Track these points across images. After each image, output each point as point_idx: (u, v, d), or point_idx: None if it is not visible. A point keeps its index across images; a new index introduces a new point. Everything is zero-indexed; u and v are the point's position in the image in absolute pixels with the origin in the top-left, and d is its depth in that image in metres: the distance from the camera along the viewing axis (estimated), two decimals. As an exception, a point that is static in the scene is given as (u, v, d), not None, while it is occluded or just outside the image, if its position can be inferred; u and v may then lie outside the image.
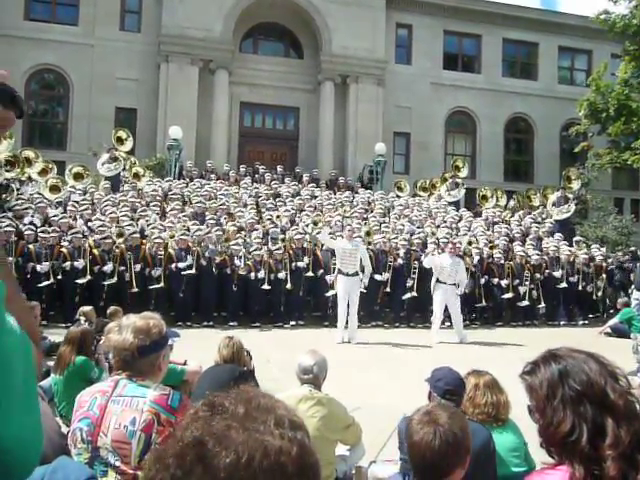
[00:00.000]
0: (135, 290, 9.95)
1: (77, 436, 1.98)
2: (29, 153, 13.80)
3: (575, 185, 16.27)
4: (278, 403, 0.78)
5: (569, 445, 1.23)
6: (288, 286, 10.66)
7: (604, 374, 1.27)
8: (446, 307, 9.74)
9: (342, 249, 9.27)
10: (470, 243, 12.13)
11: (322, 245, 11.27)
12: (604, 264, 12.97)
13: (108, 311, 6.99)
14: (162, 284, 10.13)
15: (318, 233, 10.94)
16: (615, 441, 1.17)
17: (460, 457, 1.83)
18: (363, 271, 9.42)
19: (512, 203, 17.23)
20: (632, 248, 15.57)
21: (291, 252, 11.00)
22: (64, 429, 2.85)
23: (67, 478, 1.17)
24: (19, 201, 11.55)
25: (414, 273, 11.16)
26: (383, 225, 12.68)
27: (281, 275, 10.65)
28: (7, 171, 12.69)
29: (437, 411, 1.91)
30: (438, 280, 9.64)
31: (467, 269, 11.36)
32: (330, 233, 11.66)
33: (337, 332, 9.22)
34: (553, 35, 23.25)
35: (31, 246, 9.89)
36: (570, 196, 15.38)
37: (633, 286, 12.67)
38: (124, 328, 2.08)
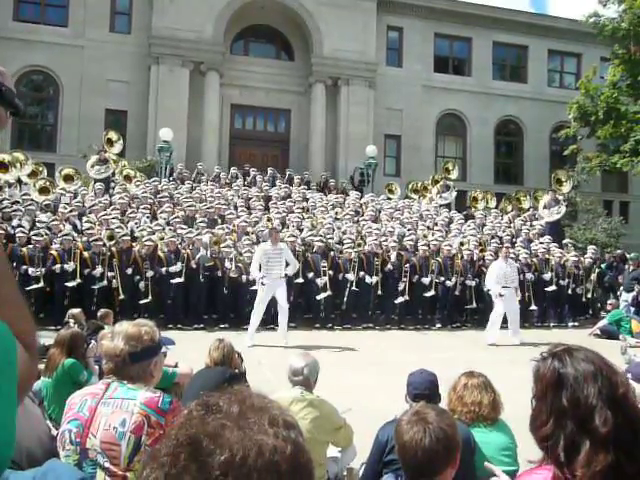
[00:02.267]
0: (122, 297, 9.89)
1: (66, 437, 1.98)
2: (19, 155, 13.71)
3: (565, 187, 16.39)
4: (272, 403, 0.78)
5: (545, 448, 1.24)
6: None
7: (602, 398, 1.21)
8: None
9: (265, 252, 8.92)
10: (462, 244, 12.20)
11: (313, 248, 11.27)
12: (594, 266, 13.05)
13: (99, 313, 6.96)
14: (150, 298, 10.06)
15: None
16: (587, 463, 1.16)
17: (450, 455, 1.84)
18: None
19: (502, 204, 17.33)
20: (619, 251, 15.69)
21: (282, 254, 10.97)
22: (53, 432, 2.83)
23: (58, 481, 1.15)
24: (6, 202, 11.48)
25: (405, 276, 11.20)
26: (374, 228, 12.70)
27: (272, 277, 10.62)
28: (2, 173, 12.64)
29: (425, 410, 1.92)
30: (503, 286, 9.73)
31: (458, 271, 11.44)
32: (320, 236, 11.68)
33: (248, 335, 8.84)
34: (543, 38, 23.47)
35: (24, 249, 9.82)
36: (560, 198, 15.49)
37: (622, 288, 12.82)
38: (116, 335, 2.10)
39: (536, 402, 1.30)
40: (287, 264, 9.05)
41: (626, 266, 14.05)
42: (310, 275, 10.90)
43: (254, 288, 10.41)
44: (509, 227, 14.42)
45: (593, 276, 12.73)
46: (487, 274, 10.28)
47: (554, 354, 1.32)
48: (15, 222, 10.74)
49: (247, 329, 10.21)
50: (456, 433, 1.88)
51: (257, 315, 9.01)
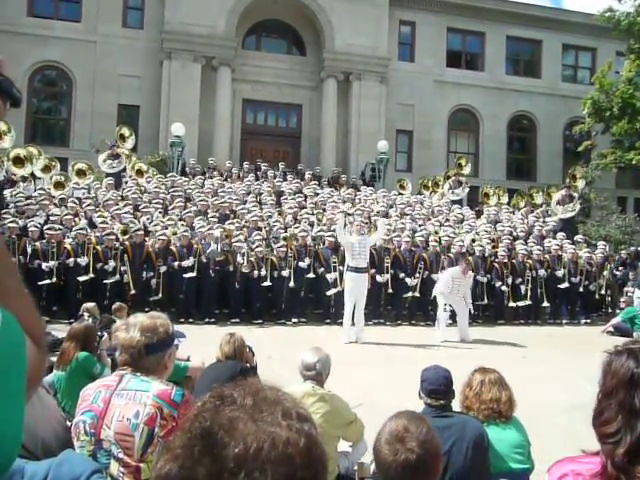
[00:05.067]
0: (133, 292, 9.96)
1: (80, 428, 2.01)
2: (32, 150, 13.83)
3: (580, 184, 16.23)
4: (285, 396, 0.78)
5: (608, 444, 1.20)
6: (291, 284, 10.66)
7: None
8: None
9: (352, 244, 9.05)
10: (474, 241, 12.14)
11: (324, 243, 11.27)
12: (606, 262, 12.93)
13: (113, 307, 7.02)
14: (160, 296, 10.10)
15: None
16: None
17: (438, 468, 1.84)
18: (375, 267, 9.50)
19: (514, 200, 17.21)
20: (632, 248, 15.51)
21: (294, 250, 11.00)
22: (68, 424, 2.86)
23: (73, 471, 1.17)
24: (19, 196, 11.58)
25: (419, 272, 11.17)
26: (386, 223, 12.66)
27: (284, 273, 10.66)
28: (18, 168, 12.77)
29: (409, 426, 1.85)
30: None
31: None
32: (331, 231, 11.67)
33: (344, 332, 9.04)
34: (557, 33, 23.17)
35: (38, 243, 9.90)
36: (575, 195, 15.34)
37: (632, 284, 12.73)
38: (131, 326, 2.12)
39: (603, 397, 1.25)
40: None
41: (639, 263, 13.89)
42: (321, 270, 10.91)
43: (265, 284, 10.49)
44: (522, 223, 14.30)
45: (605, 272, 12.62)
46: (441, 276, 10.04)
47: (630, 351, 1.26)
48: (36, 219, 10.76)
49: (259, 324, 10.30)
50: (439, 446, 1.87)
51: (348, 310, 9.15)
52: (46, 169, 13.69)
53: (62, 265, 9.89)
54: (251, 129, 21.14)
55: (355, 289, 9.07)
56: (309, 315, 10.94)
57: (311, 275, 10.88)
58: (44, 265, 9.70)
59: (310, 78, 21.12)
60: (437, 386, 2.92)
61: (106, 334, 4.72)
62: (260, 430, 0.70)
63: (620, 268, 14.20)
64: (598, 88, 18.18)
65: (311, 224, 12.32)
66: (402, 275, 11.16)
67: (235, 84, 20.25)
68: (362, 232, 9.41)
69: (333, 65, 20.51)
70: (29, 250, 9.81)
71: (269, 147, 20.91)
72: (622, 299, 12.25)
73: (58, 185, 12.86)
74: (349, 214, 11.82)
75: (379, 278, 10.97)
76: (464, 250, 11.60)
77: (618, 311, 11.83)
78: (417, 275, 11.16)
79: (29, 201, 11.42)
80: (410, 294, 11.13)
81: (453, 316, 9.90)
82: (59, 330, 7.03)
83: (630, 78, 18.24)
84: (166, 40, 19.27)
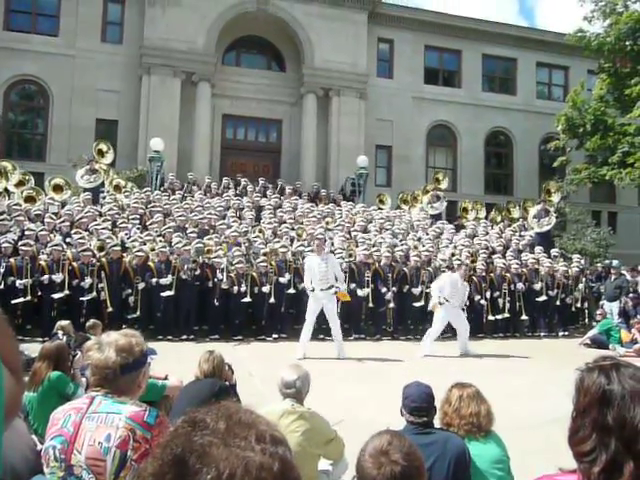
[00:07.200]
0: (110, 310, 9.80)
1: (50, 454, 1.93)
2: (6, 165, 13.60)
3: (555, 198, 16.52)
4: (259, 418, 0.76)
5: (584, 463, 1.19)
6: (272, 300, 10.59)
7: None
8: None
9: (317, 266, 8.91)
10: (453, 255, 12.24)
11: (304, 258, 11.24)
12: (582, 276, 13.13)
13: (87, 324, 6.89)
14: (138, 313, 9.95)
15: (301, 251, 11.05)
16: None
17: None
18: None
19: (492, 215, 17.43)
20: (606, 261, 15.78)
21: (274, 265, 10.94)
22: (39, 447, 2.77)
23: (42, 498, 1.12)
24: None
25: (394, 285, 11.22)
26: (366, 238, 12.70)
27: (265, 289, 10.59)
28: None
29: (391, 447, 1.85)
30: (445, 299, 9.54)
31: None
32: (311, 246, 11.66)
33: (299, 347, 8.83)
34: (531, 51, 23.76)
35: (12, 260, 9.68)
36: (551, 209, 15.60)
37: (603, 297, 12.99)
38: (105, 346, 2.05)
39: (577, 415, 1.24)
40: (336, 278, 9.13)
41: (609, 276, 14.11)
42: (301, 286, 10.87)
43: (245, 300, 10.40)
44: (500, 238, 14.47)
45: (581, 285, 12.82)
46: (436, 280, 10.07)
47: (601, 367, 1.26)
48: (9, 235, 10.52)
49: (238, 340, 10.20)
50: (423, 459, 1.87)
51: (307, 327, 9.04)
52: (20, 184, 13.47)
53: (36, 282, 9.68)
54: (231, 144, 21.13)
55: (316, 308, 8.99)
56: (289, 331, 10.86)
57: (291, 291, 10.83)
58: (18, 282, 9.49)
59: (290, 94, 21.25)
60: (419, 403, 2.90)
61: (80, 353, 4.61)
62: (233, 455, 0.68)
63: (595, 281, 14.43)
64: (571, 105, 18.60)
65: (291, 239, 12.29)
66: (384, 290, 11.17)
67: (215, 99, 20.27)
68: (323, 249, 9.24)
69: (312, 81, 20.67)
70: (2, 267, 9.59)
71: (249, 162, 20.90)
72: (598, 311, 12.43)
73: (29, 199, 12.63)
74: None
75: (360, 292, 10.97)
76: (445, 265, 11.66)
77: (594, 323, 12.00)
78: (393, 288, 11.19)
79: (2, 217, 11.18)
80: (384, 308, 11.15)
81: (448, 330, 9.93)
82: (31, 350, 6.86)
83: (602, 96, 18.72)
84: (145, 55, 19.22)
